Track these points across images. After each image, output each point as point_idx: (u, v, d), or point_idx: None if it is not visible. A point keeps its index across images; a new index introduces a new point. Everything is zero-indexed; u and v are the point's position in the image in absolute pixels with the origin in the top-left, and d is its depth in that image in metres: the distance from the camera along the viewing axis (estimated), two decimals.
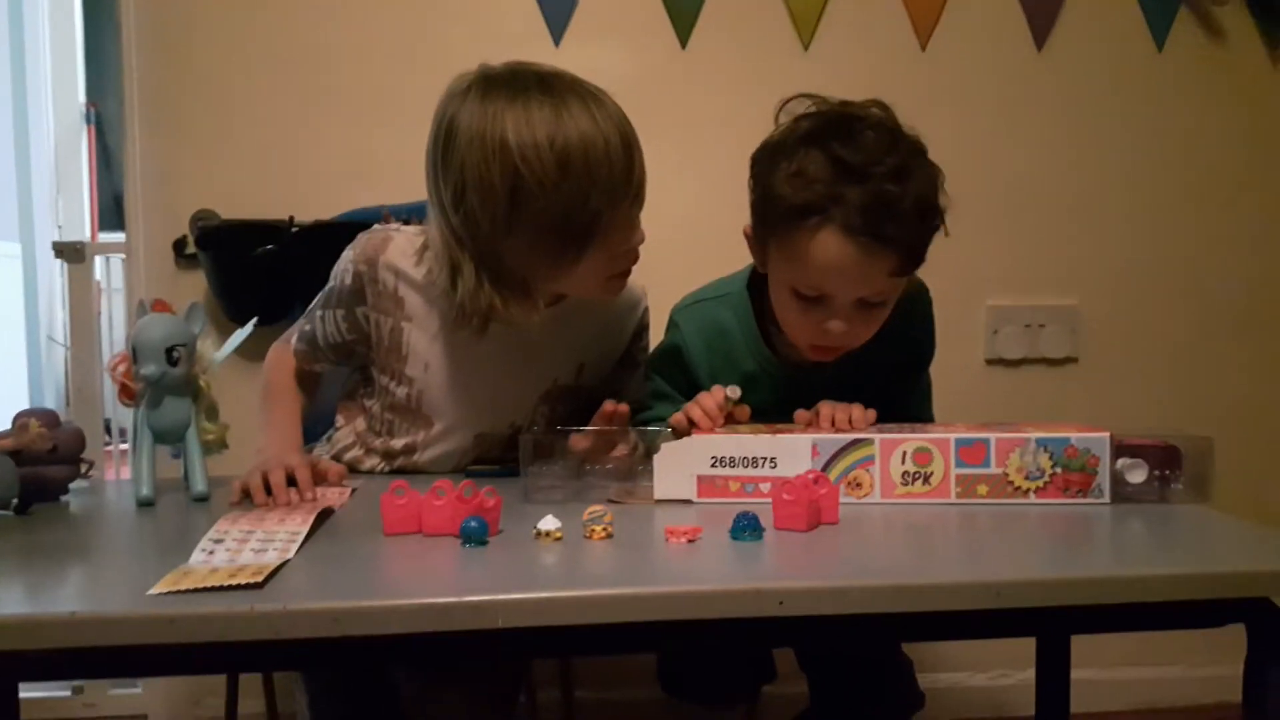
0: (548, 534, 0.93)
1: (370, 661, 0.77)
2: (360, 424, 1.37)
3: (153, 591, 0.76)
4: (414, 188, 1.81)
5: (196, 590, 0.77)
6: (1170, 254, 2.08)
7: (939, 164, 1.20)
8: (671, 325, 1.36)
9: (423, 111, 1.85)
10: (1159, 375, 2.08)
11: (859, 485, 1.06)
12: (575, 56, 1.89)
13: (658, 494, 1.08)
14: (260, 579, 0.78)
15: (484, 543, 0.92)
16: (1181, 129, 2.06)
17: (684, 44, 1.93)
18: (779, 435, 1.08)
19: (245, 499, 1.10)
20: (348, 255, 1.30)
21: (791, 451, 1.06)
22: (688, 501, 1.08)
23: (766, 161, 1.20)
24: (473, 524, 0.92)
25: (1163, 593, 0.82)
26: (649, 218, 1.93)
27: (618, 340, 1.38)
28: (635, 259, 1.23)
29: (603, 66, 1.91)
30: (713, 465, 1.08)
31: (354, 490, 1.18)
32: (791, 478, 1.01)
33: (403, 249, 1.28)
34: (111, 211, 4.18)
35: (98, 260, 2.02)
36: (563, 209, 1.11)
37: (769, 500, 1.01)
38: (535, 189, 1.10)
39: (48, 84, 4.04)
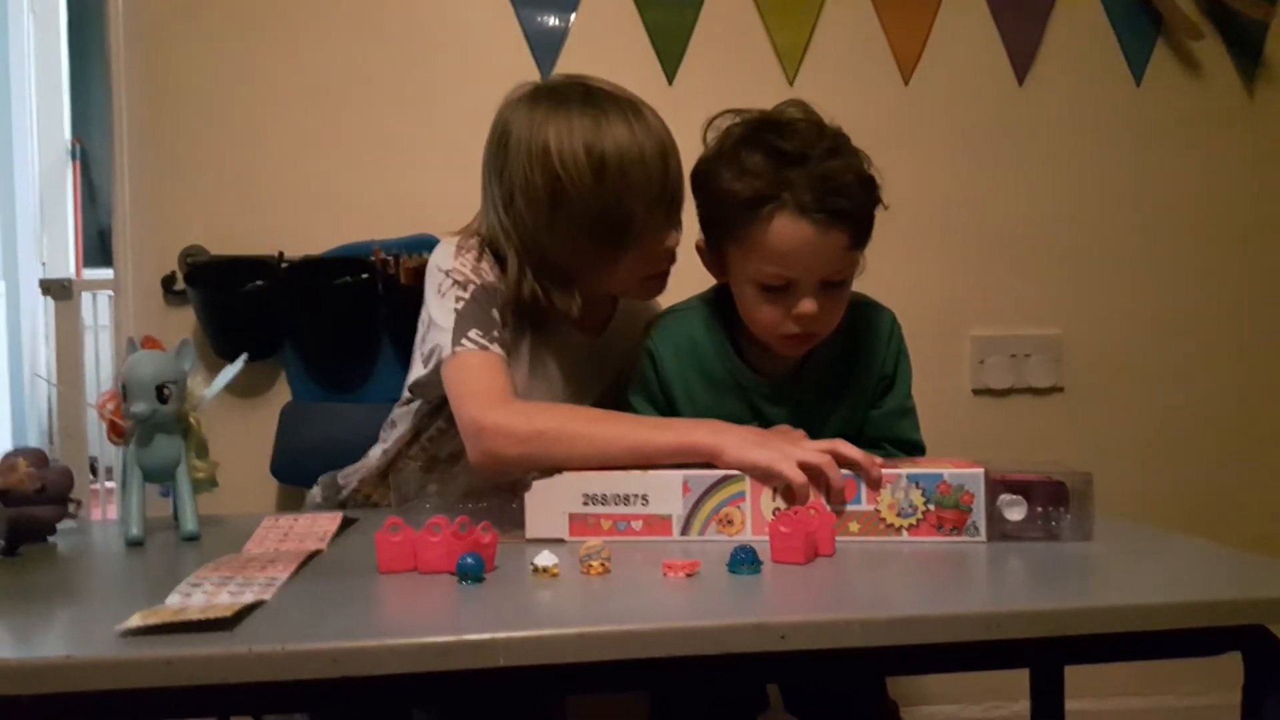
0: (545, 570, 0.93)
1: (372, 703, 0.76)
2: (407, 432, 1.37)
3: (121, 628, 0.76)
4: (403, 222, 1.83)
5: (167, 625, 0.76)
6: (1152, 282, 2.11)
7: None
8: (644, 336, 1.38)
9: (412, 146, 1.89)
10: (1143, 403, 2.10)
11: (730, 522, 1.05)
12: None
13: (529, 533, 1.07)
14: (230, 614, 0.78)
15: (480, 579, 0.92)
16: (1161, 160, 2.10)
17: (670, 80, 1.95)
18: (650, 472, 1.07)
19: None
20: (465, 260, 1.26)
21: (662, 488, 1.06)
22: (560, 540, 1.06)
23: (708, 173, 1.26)
24: (469, 561, 0.92)
25: (1161, 621, 0.82)
26: None
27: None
28: (672, 260, 1.31)
29: None
30: (584, 503, 1.07)
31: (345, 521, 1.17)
32: (662, 515, 1.04)
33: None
34: (96, 248, 4.17)
35: (85, 297, 2.01)
36: (598, 211, 1.21)
37: (641, 539, 1.03)
38: (573, 192, 1.21)
39: (33, 120, 4.04)
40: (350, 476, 1.42)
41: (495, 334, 1.22)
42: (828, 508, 1.04)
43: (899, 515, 1.03)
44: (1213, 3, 2.07)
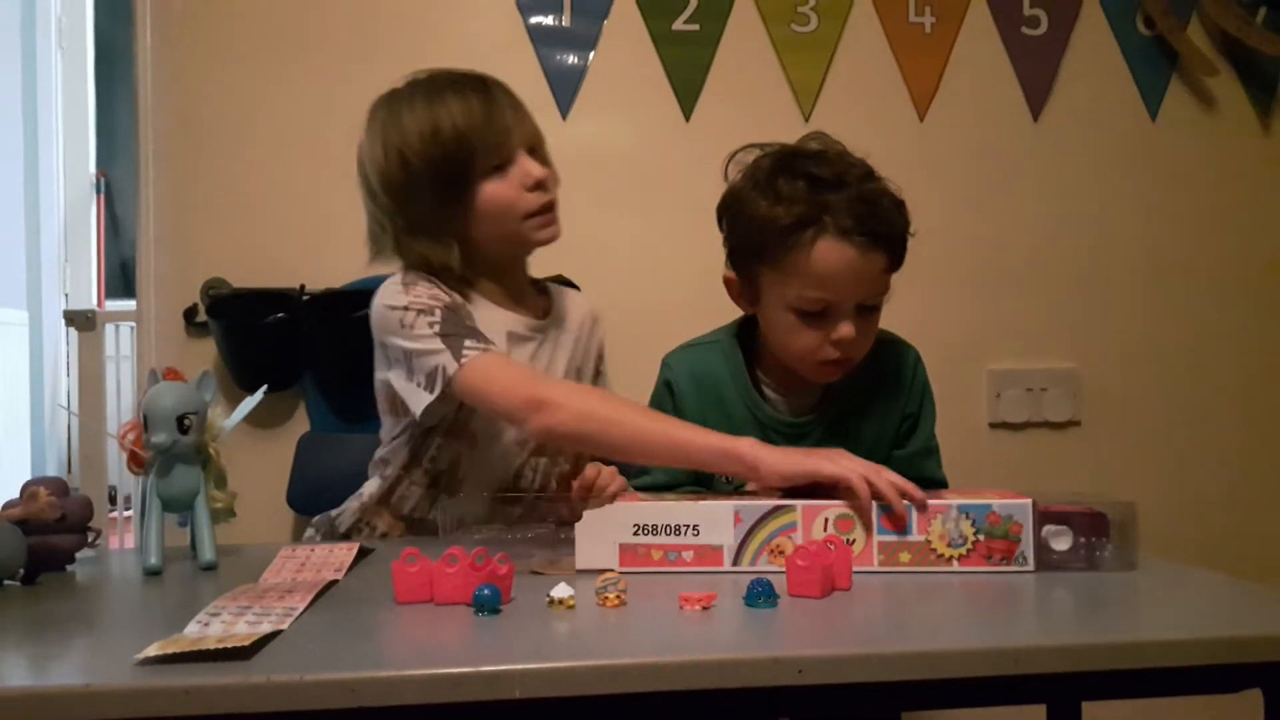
0: (561, 601, 0.92)
1: None
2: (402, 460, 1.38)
3: (140, 656, 0.76)
4: None
5: (185, 654, 0.76)
6: (1168, 317, 2.11)
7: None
8: (663, 367, 1.39)
9: None
10: (1160, 437, 2.09)
11: (782, 552, 1.04)
12: (581, 129, 1.94)
13: (579, 564, 1.06)
14: (248, 643, 0.78)
15: (497, 611, 0.92)
16: (1177, 195, 2.10)
17: (687, 116, 1.97)
18: (701, 502, 1.08)
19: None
20: (418, 291, 1.30)
21: (713, 518, 1.05)
22: (611, 571, 1.05)
23: (739, 203, 1.27)
24: (485, 592, 0.92)
25: (1180, 657, 0.82)
26: (656, 281, 1.97)
27: (594, 348, 1.49)
28: (545, 193, 1.34)
29: (608, 139, 1.97)
30: (635, 533, 1.06)
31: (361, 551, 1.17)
32: (714, 545, 1.03)
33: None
34: (117, 279, 4.22)
35: (107, 328, 2.03)
36: (441, 154, 1.30)
37: (691, 569, 1.03)
38: (418, 148, 1.30)
39: (58, 153, 4.10)
40: (344, 515, 1.43)
41: (480, 339, 1.26)
42: (845, 540, 1.04)
43: (949, 545, 1.04)
44: (1228, 39, 2.09)
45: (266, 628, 0.85)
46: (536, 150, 1.35)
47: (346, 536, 1.40)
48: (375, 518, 1.40)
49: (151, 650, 0.77)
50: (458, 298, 1.31)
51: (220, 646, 0.77)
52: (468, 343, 1.24)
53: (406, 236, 1.34)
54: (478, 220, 1.32)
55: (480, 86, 1.34)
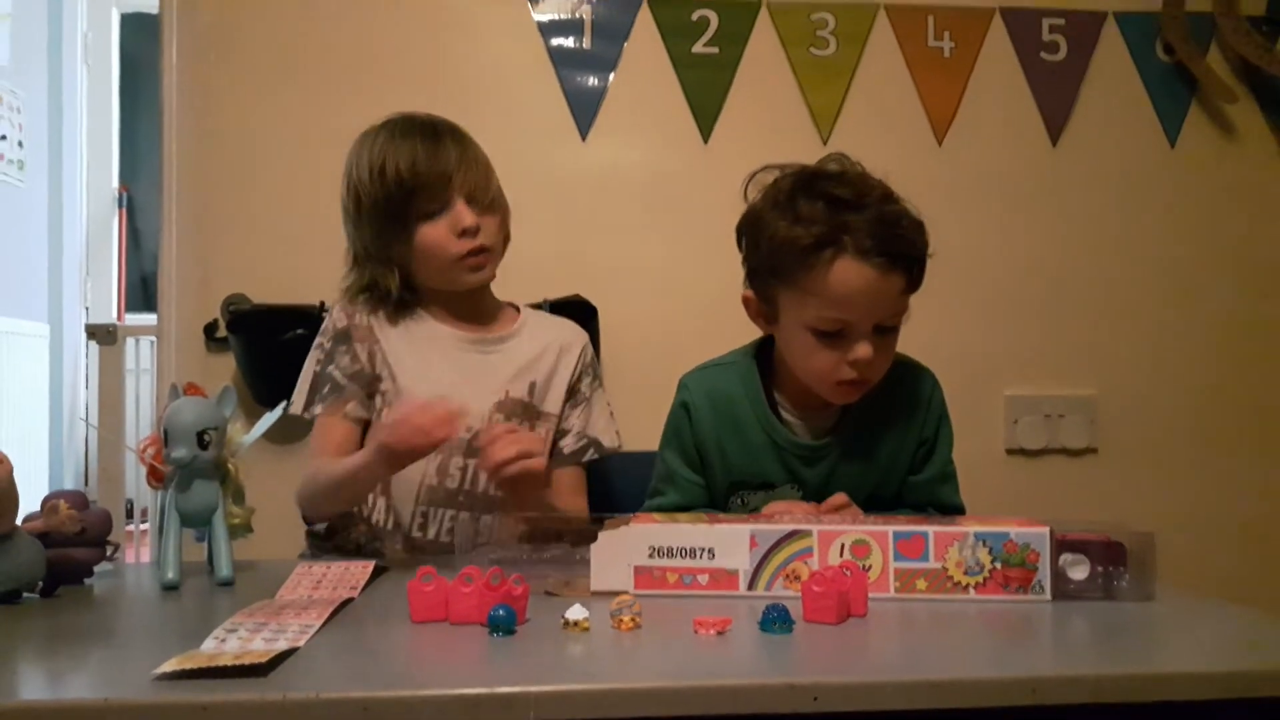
0: (576, 623, 0.93)
1: None
2: None
3: (158, 671, 0.77)
4: None
5: (202, 670, 0.77)
6: (1187, 344, 2.10)
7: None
8: (680, 388, 1.39)
9: None
10: (1179, 466, 2.08)
11: (798, 577, 1.04)
12: (601, 150, 1.95)
13: (594, 585, 1.06)
14: (264, 660, 0.78)
15: (512, 632, 0.92)
16: (1195, 222, 2.10)
17: (706, 138, 1.98)
18: (716, 525, 1.07)
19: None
20: (328, 322, 1.49)
21: (729, 541, 1.05)
22: (625, 593, 1.05)
23: (759, 223, 1.27)
24: (501, 613, 0.92)
25: (1201, 690, 0.81)
26: (674, 301, 1.97)
27: (564, 368, 1.52)
28: (472, 239, 1.43)
29: (627, 160, 1.99)
30: (650, 556, 1.06)
31: (377, 569, 1.17)
32: (729, 569, 1.03)
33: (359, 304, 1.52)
34: (138, 293, 4.26)
35: (128, 342, 2.05)
36: (384, 193, 1.42)
37: (706, 593, 1.03)
38: (367, 185, 1.43)
39: (82, 167, 4.14)
40: (322, 526, 1.47)
41: (325, 390, 1.44)
42: (861, 566, 1.03)
43: (966, 573, 1.03)
44: (1248, 66, 2.09)
45: (283, 645, 0.85)
46: (475, 199, 1.43)
47: (328, 538, 1.47)
48: (350, 525, 1.46)
49: (169, 665, 0.78)
50: (362, 321, 1.46)
51: (237, 663, 0.78)
52: (315, 407, 1.44)
53: (362, 259, 1.49)
54: (415, 256, 1.44)
55: (431, 134, 1.43)
